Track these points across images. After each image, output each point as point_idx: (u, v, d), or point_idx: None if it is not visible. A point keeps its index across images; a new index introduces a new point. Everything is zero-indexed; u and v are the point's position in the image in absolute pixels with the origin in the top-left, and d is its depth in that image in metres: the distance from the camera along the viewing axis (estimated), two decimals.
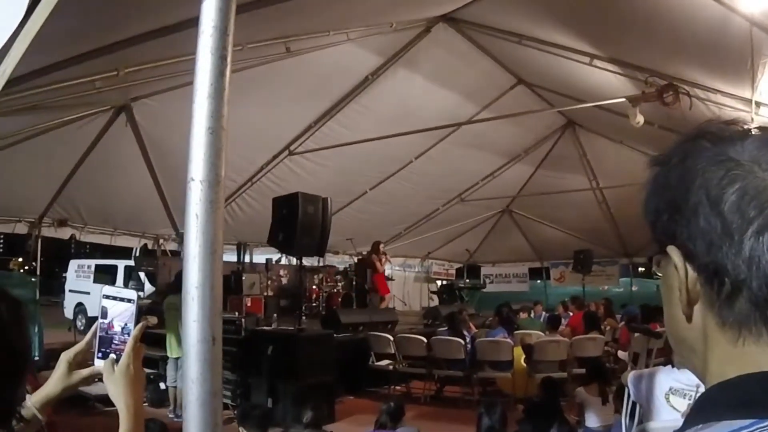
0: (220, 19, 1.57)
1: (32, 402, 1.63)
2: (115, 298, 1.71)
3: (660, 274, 0.95)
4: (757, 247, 0.79)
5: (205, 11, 1.57)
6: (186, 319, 1.55)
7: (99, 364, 1.68)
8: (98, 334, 1.69)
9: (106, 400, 1.66)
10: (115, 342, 1.68)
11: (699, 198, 0.84)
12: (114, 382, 1.64)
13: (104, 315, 1.71)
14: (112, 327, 1.70)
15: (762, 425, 0.74)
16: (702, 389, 0.88)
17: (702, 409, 0.83)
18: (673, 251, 0.88)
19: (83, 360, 1.70)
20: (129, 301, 1.71)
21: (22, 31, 4.04)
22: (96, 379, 1.68)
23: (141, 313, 1.75)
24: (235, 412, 7.57)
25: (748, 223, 0.80)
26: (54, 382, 1.67)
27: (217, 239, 1.55)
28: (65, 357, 1.68)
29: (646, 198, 0.94)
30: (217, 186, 1.55)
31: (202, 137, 1.55)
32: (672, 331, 0.94)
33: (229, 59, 1.59)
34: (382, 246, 16.44)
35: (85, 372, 1.69)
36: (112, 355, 1.66)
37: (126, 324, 1.69)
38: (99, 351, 1.69)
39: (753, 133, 0.87)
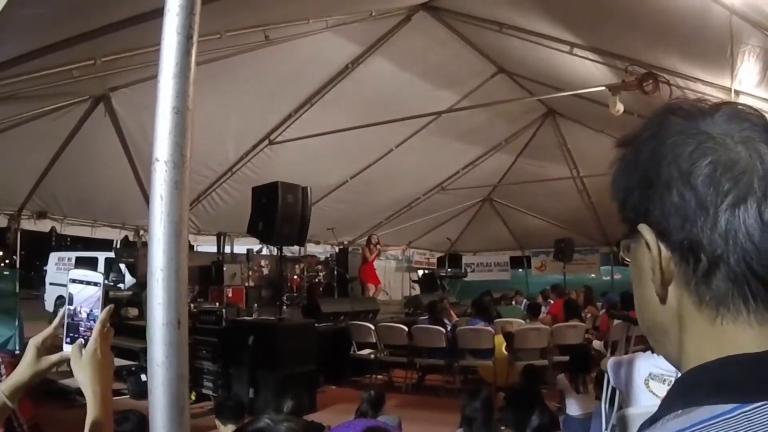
0: None
1: (1, 389, 1.61)
2: (81, 282, 1.69)
3: (628, 260, 0.94)
4: (733, 220, 0.78)
5: None
6: (151, 302, 1.53)
7: (68, 349, 1.66)
8: (65, 321, 1.67)
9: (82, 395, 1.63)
10: (82, 329, 1.66)
11: (671, 173, 0.82)
12: (81, 368, 1.61)
13: (70, 301, 1.69)
14: (79, 313, 1.68)
15: (745, 409, 0.72)
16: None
17: (682, 393, 0.81)
18: (644, 229, 0.86)
19: (52, 345, 1.68)
20: (95, 284, 1.69)
21: None
22: (65, 366, 1.66)
23: (107, 298, 1.73)
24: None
25: (723, 196, 0.79)
26: (23, 369, 1.64)
27: (182, 221, 1.53)
28: (33, 343, 1.66)
29: (615, 177, 0.93)
30: (183, 167, 1.52)
31: (167, 117, 1.52)
32: (644, 315, 0.93)
33: (195, 38, 1.56)
34: (375, 237, 16.44)
35: (53, 357, 1.66)
36: (80, 340, 1.64)
37: (92, 310, 1.67)
38: (67, 337, 1.67)
39: (721, 107, 0.86)
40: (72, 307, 1.68)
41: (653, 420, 0.81)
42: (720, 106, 0.87)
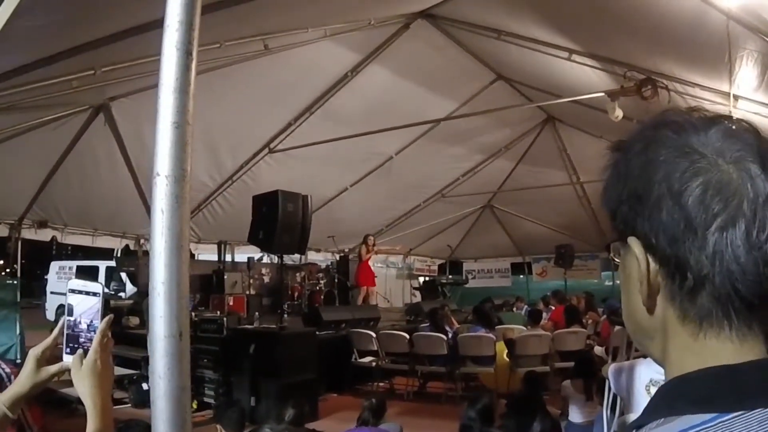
0: (186, 14, 1.56)
1: (1, 401, 1.61)
2: (81, 292, 1.69)
3: (617, 260, 0.95)
4: (721, 242, 0.79)
5: (171, 6, 1.56)
6: (152, 315, 1.55)
7: (68, 360, 1.66)
8: (65, 331, 1.67)
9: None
10: (82, 339, 1.66)
11: (662, 191, 0.83)
12: (81, 378, 1.62)
13: (70, 312, 1.69)
14: (78, 324, 1.68)
15: (723, 419, 0.74)
16: None
17: (663, 402, 0.83)
18: (634, 242, 0.87)
19: (51, 356, 1.68)
20: (95, 294, 1.69)
21: None
22: (66, 376, 1.66)
23: (108, 306, 1.74)
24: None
25: (712, 218, 0.80)
26: (23, 380, 1.64)
27: (182, 234, 1.54)
28: (33, 354, 1.66)
29: (606, 185, 0.94)
30: (183, 181, 1.54)
31: (167, 132, 1.54)
32: (630, 319, 0.94)
33: (194, 54, 1.58)
34: (371, 238, 16.38)
35: (53, 368, 1.66)
36: (80, 351, 1.64)
37: (92, 321, 1.67)
38: (67, 347, 1.67)
39: (715, 122, 0.86)
40: (72, 318, 1.68)
41: (638, 426, 0.83)
42: (714, 121, 0.87)
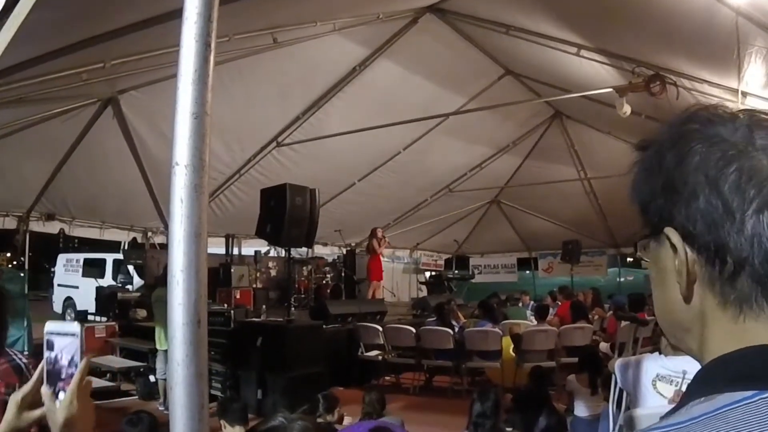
0: (204, 6, 1.58)
1: None
2: (58, 334, 1.66)
3: (647, 259, 0.97)
4: (758, 225, 0.82)
5: None
6: (171, 303, 1.56)
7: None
8: (45, 368, 1.65)
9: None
10: (63, 376, 1.64)
11: (698, 179, 0.85)
12: (53, 420, 1.59)
13: (50, 347, 1.66)
14: (60, 360, 1.65)
15: (764, 396, 0.75)
16: (689, 375, 0.89)
17: (703, 382, 0.84)
18: (671, 233, 0.89)
19: (33, 401, 1.65)
20: (73, 335, 1.66)
21: (7, 22, 4.01)
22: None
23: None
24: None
25: (748, 202, 0.82)
26: (4, 427, 1.63)
27: (201, 223, 1.56)
28: (14, 399, 1.64)
29: (636, 182, 0.96)
30: (202, 170, 1.56)
31: (186, 122, 1.55)
32: (665, 314, 0.95)
33: (213, 46, 1.60)
34: (379, 231, 16.33)
35: (36, 413, 1.65)
36: (62, 393, 1.61)
37: (73, 357, 1.64)
38: (48, 383, 1.64)
39: (739, 115, 0.89)
40: (52, 354, 1.66)
41: (677, 408, 0.84)
42: (738, 114, 0.90)
